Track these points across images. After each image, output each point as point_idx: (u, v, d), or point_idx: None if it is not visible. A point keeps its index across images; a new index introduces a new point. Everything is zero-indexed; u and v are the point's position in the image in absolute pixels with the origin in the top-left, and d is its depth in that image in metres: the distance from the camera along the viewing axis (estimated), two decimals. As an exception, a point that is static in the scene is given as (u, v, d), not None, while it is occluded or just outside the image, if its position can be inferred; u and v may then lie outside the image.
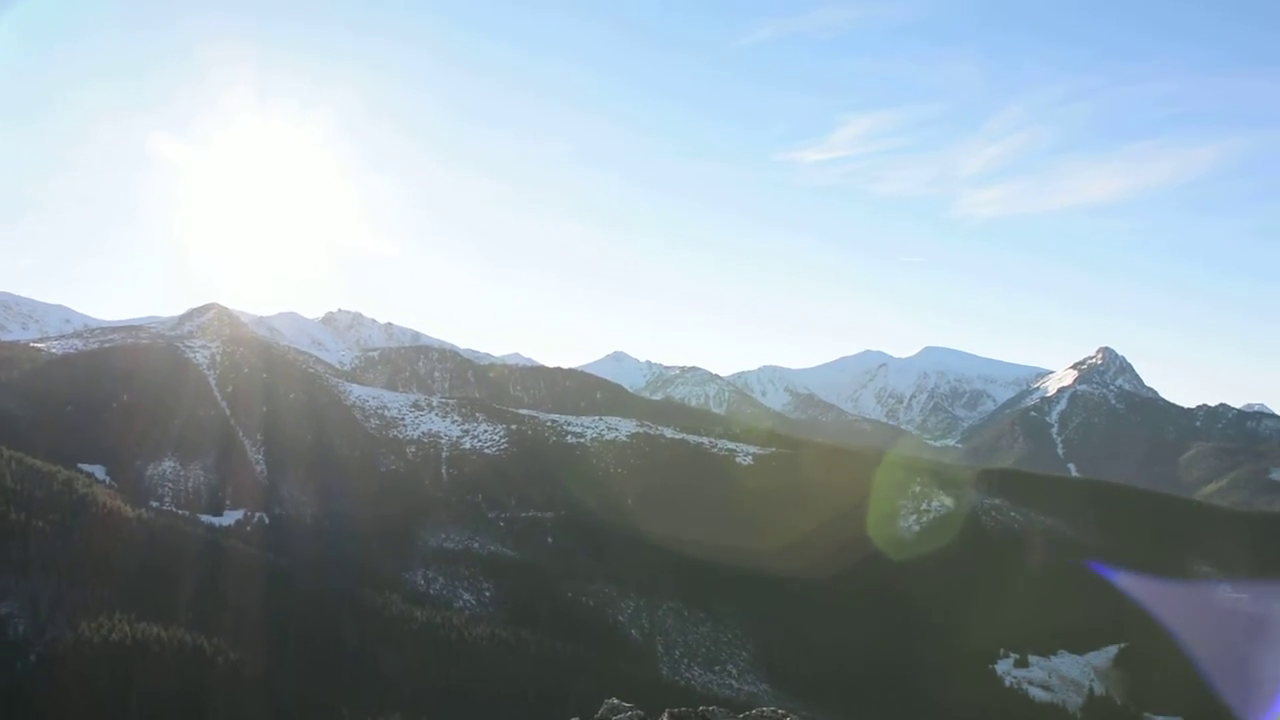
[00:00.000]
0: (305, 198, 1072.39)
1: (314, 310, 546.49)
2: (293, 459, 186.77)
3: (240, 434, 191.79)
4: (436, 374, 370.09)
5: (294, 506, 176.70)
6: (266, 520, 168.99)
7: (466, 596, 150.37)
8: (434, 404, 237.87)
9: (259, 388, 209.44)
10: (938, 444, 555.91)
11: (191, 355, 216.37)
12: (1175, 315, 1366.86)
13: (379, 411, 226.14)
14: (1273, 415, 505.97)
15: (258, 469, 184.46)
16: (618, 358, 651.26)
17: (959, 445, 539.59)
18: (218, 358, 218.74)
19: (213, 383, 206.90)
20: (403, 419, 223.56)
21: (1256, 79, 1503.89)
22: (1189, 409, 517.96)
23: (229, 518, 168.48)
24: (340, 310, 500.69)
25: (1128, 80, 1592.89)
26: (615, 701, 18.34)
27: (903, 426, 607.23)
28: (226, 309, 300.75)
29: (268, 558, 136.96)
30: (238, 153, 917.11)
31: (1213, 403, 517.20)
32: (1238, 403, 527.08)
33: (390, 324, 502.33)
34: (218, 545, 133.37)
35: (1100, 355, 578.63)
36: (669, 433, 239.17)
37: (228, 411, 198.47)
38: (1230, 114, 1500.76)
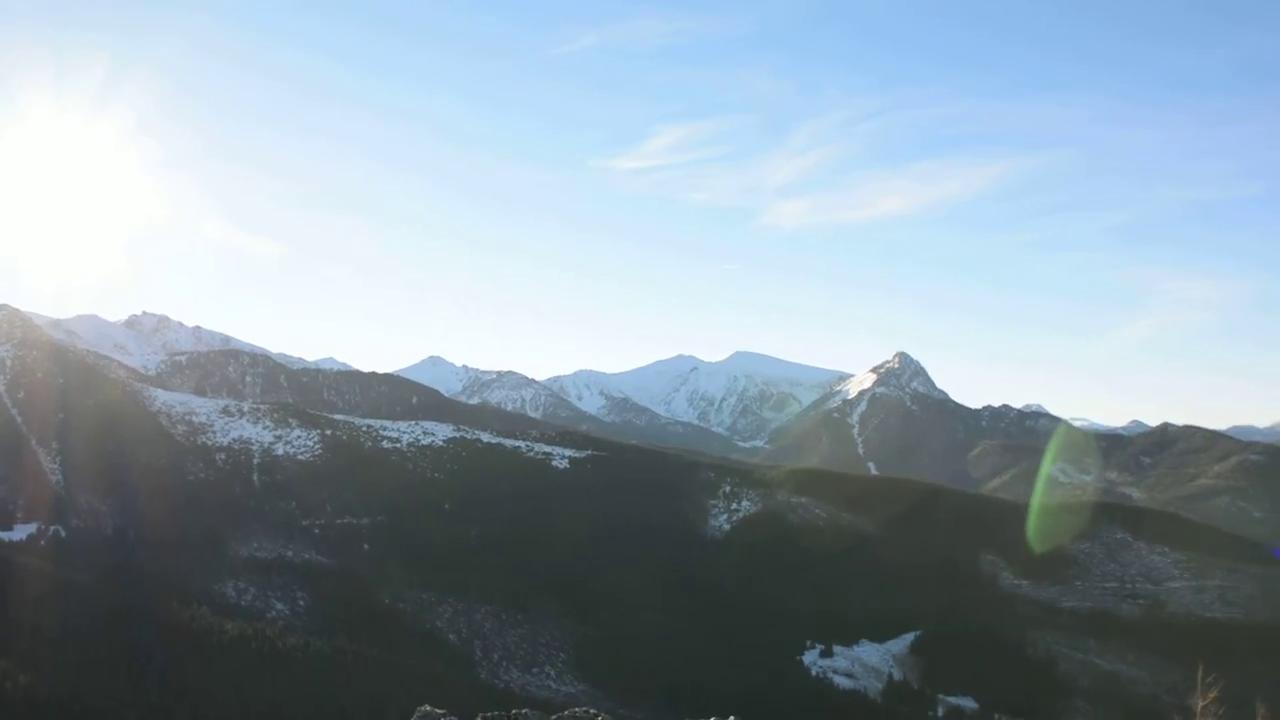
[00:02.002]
0: (103, 197, 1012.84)
1: (117, 313, 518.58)
2: (92, 468, 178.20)
3: (33, 442, 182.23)
4: (248, 379, 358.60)
5: (93, 518, 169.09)
6: (63, 533, 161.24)
7: (280, 606, 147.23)
8: (245, 409, 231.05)
9: (54, 393, 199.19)
10: (747, 445, 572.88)
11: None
12: (963, 322, 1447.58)
13: (186, 418, 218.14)
14: (1048, 415, 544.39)
15: (53, 479, 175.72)
16: (434, 362, 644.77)
17: (767, 446, 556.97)
18: (8, 362, 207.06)
19: (2, 388, 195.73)
20: (212, 425, 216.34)
21: (1034, 103, 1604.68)
22: (976, 409, 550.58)
23: (20, 532, 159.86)
24: (145, 313, 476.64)
25: (914, 102, 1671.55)
26: (428, 709, 18.16)
27: (714, 429, 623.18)
28: (18, 310, 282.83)
29: (63, 573, 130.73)
30: (29, 151, 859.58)
31: (996, 404, 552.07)
32: (1018, 403, 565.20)
33: (199, 327, 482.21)
34: (7, 561, 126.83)
35: (897, 359, 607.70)
36: (486, 437, 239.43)
37: (19, 419, 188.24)
38: (1009, 136, 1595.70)
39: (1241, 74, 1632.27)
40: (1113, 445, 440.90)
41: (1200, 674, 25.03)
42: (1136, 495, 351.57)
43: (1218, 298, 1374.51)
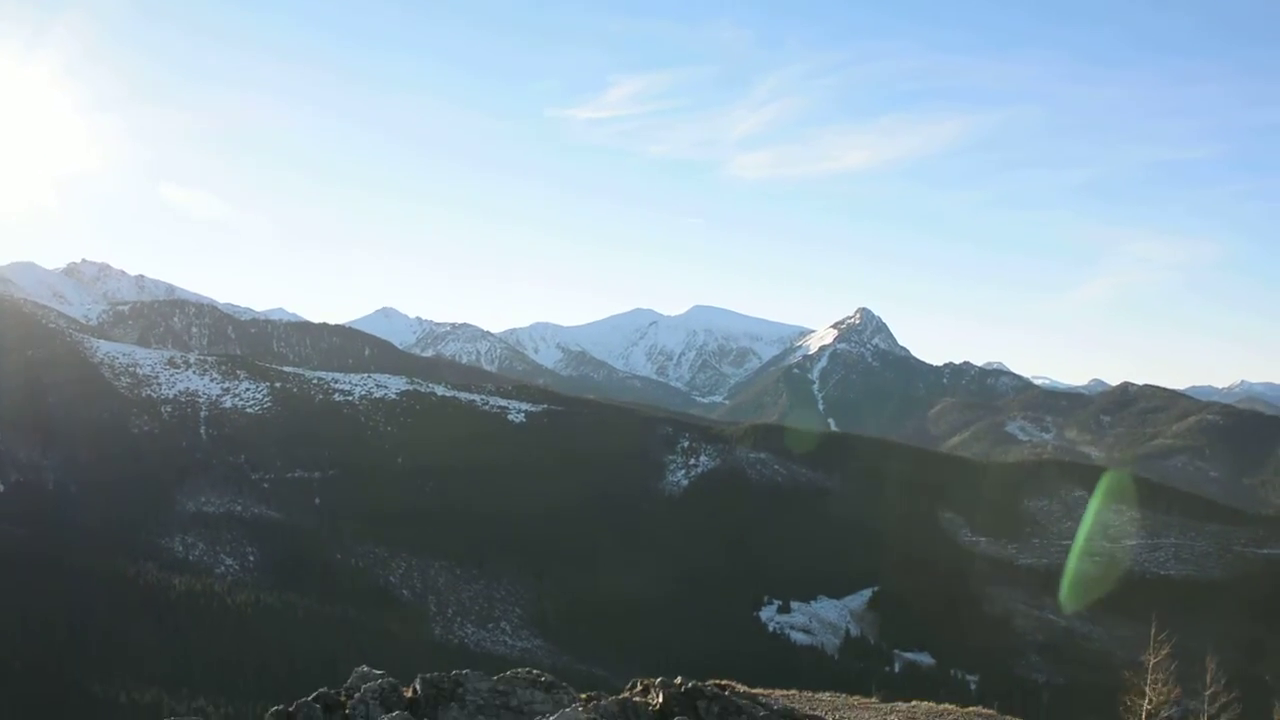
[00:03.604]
0: (34, 140, 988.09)
1: (55, 260, 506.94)
2: (31, 422, 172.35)
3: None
4: (194, 329, 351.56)
5: (34, 473, 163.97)
6: (1, 489, 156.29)
7: (229, 562, 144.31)
8: (191, 361, 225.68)
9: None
10: (705, 400, 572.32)
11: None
12: (925, 278, 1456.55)
13: (130, 369, 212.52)
14: (1009, 373, 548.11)
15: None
16: (387, 314, 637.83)
17: (726, 401, 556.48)
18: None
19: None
20: (157, 377, 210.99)
21: (998, 59, 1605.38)
22: (937, 366, 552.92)
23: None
24: (85, 261, 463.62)
25: (876, 55, 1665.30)
26: (365, 669, 17.65)
27: (672, 383, 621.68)
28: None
29: (3, 529, 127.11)
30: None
31: (958, 361, 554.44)
32: (979, 361, 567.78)
33: (142, 276, 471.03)
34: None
35: (858, 315, 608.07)
36: (440, 390, 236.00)
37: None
38: (972, 91, 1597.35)
39: (1209, 33, 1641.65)
40: (1073, 404, 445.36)
41: (1154, 630, 26.19)
42: (1095, 454, 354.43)
43: (1181, 258, 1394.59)
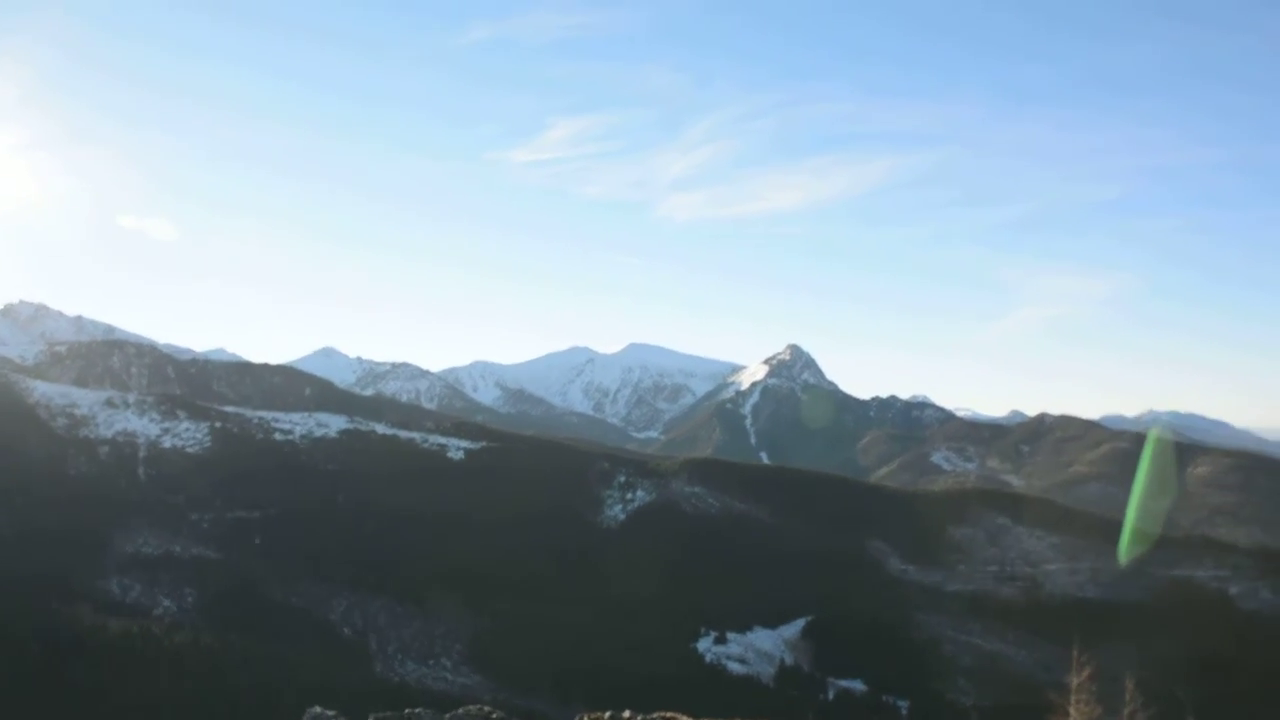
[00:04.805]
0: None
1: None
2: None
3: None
4: (133, 370, 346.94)
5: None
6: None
7: (167, 603, 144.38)
8: (130, 401, 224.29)
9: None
10: (641, 435, 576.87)
11: None
12: (853, 313, 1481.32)
13: (67, 410, 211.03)
14: (933, 405, 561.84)
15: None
16: (327, 353, 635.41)
17: (661, 436, 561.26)
18: None
19: None
20: (94, 417, 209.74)
21: (928, 99, 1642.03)
22: (864, 400, 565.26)
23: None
24: (21, 301, 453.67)
25: (808, 98, 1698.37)
26: (318, 710, 18.52)
27: (609, 419, 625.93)
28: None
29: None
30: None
31: (884, 394, 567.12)
32: (905, 394, 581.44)
33: (80, 317, 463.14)
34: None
35: (788, 351, 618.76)
36: (380, 428, 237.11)
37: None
38: (902, 131, 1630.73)
39: (1139, 71, 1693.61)
40: (994, 434, 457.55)
41: (1075, 652, 26.83)
42: (1016, 482, 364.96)
43: (1100, 291, 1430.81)
